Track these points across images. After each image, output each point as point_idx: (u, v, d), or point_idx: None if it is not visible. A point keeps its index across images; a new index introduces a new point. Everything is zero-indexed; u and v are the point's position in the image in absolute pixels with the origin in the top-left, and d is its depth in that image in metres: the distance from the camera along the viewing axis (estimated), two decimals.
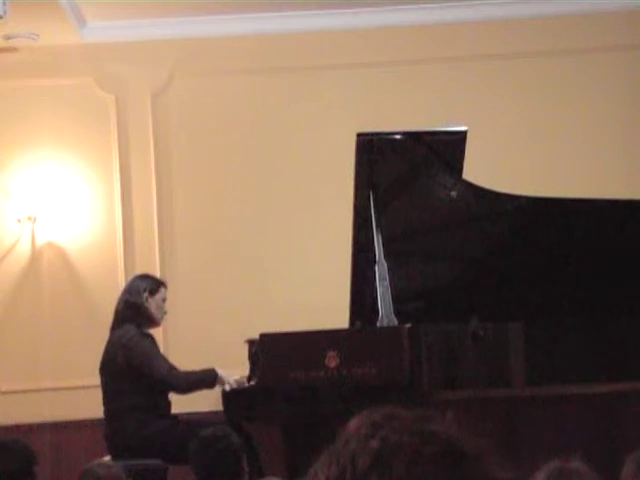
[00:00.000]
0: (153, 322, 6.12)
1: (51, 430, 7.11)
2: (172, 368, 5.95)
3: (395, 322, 5.22)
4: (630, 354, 5.30)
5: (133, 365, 5.87)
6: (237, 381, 5.89)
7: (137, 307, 6.02)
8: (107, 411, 5.99)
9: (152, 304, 6.06)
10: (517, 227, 5.60)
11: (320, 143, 7.44)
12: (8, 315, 7.28)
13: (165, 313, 6.20)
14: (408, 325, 5.15)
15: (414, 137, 5.54)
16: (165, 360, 5.99)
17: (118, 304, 6.13)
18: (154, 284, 6.15)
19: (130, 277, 7.07)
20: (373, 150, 5.45)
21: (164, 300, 6.15)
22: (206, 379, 5.92)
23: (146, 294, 6.05)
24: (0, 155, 7.38)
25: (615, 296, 5.55)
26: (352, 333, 5.48)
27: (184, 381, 5.91)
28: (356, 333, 5.49)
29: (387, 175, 5.54)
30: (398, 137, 5.53)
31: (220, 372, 5.89)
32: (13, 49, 7.20)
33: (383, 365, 5.10)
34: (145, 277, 6.29)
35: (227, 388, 5.81)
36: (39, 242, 7.34)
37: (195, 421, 5.77)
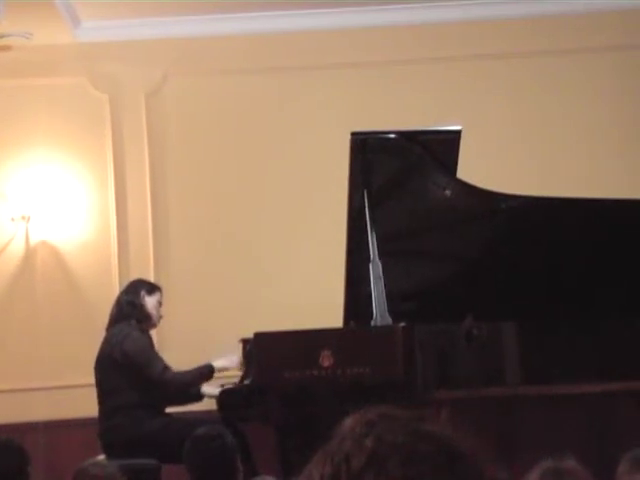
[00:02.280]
0: (150, 321, 6.14)
1: (45, 429, 7.10)
2: (166, 369, 5.95)
3: (389, 321, 5.21)
4: (625, 353, 5.31)
5: (129, 360, 5.87)
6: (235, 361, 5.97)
7: (135, 305, 6.07)
8: (102, 409, 5.98)
9: (149, 303, 6.11)
10: (512, 226, 5.60)
11: (314, 142, 7.45)
12: (2, 314, 7.27)
13: (162, 317, 6.24)
14: (402, 324, 5.16)
15: (408, 136, 5.53)
16: (160, 360, 5.99)
17: (114, 305, 6.15)
18: (150, 286, 6.25)
19: (124, 276, 7.09)
20: (367, 149, 5.44)
21: (160, 303, 6.21)
22: (197, 380, 5.96)
23: (143, 292, 6.10)
24: None
25: (610, 295, 5.56)
26: (346, 332, 5.48)
27: (176, 385, 5.94)
28: (350, 332, 5.48)
29: (381, 174, 5.54)
30: (392, 136, 5.53)
31: (219, 363, 5.93)
32: (7, 48, 7.19)
33: (377, 364, 5.10)
34: (141, 280, 6.38)
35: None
36: (33, 241, 7.34)
37: (189, 420, 5.77)
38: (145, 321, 6.11)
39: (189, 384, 6.01)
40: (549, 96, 7.58)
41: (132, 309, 6.06)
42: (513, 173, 7.23)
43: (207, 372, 5.96)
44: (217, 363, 5.96)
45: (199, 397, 6.04)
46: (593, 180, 7.31)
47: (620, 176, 7.39)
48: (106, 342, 6.05)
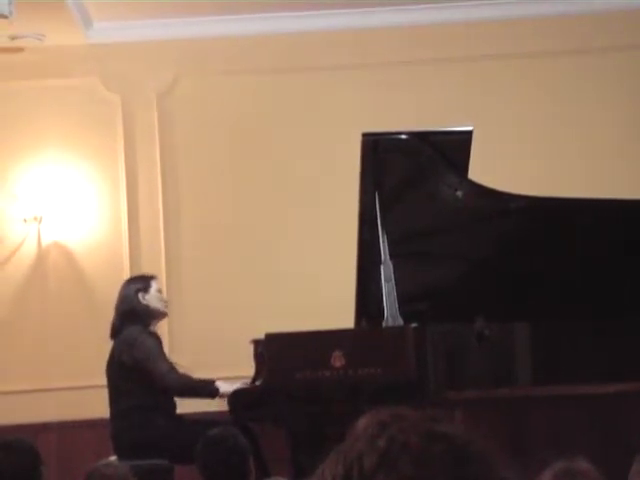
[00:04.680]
0: (158, 316, 6.08)
1: (57, 430, 7.12)
2: (172, 369, 5.89)
3: (401, 322, 5.21)
4: (636, 353, 5.30)
5: (137, 363, 5.85)
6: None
7: (135, 311, 5.97)
8: (113, 410, 5.98)
9: (150, 299, 6.02)
10: (522, 227, 5.59)
11: (325, 143, 7.45)
12: (14, 315, 7.29)
13: (167, 302, 6.16)
14: (414, 325, 5.15)
15: (419, 137, 5.53)
16: (166, 360, 5.93)
17: (115, 316, 6.06)
18: (143, 282, 6.11)
19: (133, 274, 7.09)
20: (378, 150, 5.44)
21: (160, 291, 6.12)
22: (203, 390, 5.89)
23: (140, 294, 6.01)
24: (6, 155, 7.40)
25: (620, 296, 5.55)
26: (358, 333, 5.48)
27: (180, 384, 5.87)
28: (362, 333, 5.48)
29: (392, 175, 5.54)
30: (403, 137, 5.53)
31: (222, 389, 5.83)
32: (19, 49, 7.21)
33: (389, 365, 5.10)
34: (132, 280, 6.25)
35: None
36: (45, 242, 7.35)
37: (201, 421, 5.77)
38: (152, 319, 6.06)
39: (190, 391, 5.94)
40: (557, 96, 7.57)
41: (134, 315, 5.96)
42: (520, 173, 7.21)
43: (212, 391, 5.86)
44: (224, 388, 5.85)
45: (215, 394, 5.92)
46: (601, 180, 7.30)
47: (627, 176, 7.38)
48: (116, 344, 6.01)
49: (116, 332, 6.05)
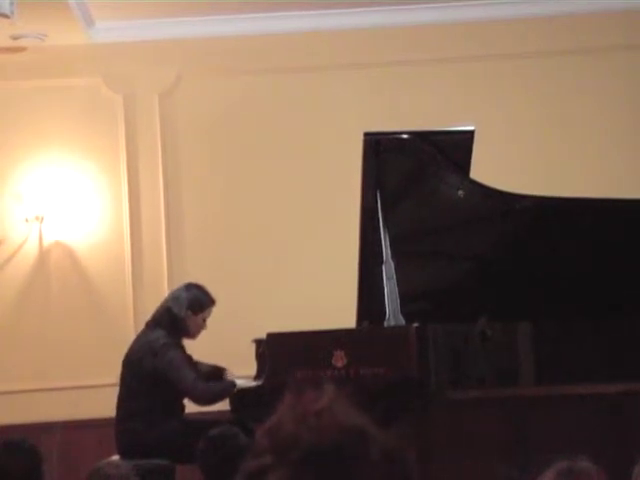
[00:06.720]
0: (188, 336, 6.00)
1: (59, 429, 7.12)
2: (197, 379, 5.82)
3: (402, 322, 5.22)
4: (638, 353, 5.30)
5: (158, 372, 5.77)
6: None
7: (175, 318, 5.89)
8: (121, 410, 5.92)
9: (192, 322, 5.94)
10: (525, 227, 5.59)
11: (328, 143, 7.46)
12: (16, 314, 7.29)
13: (204, 330, 6.03)
14: (416, 325, 5.15)
15: (421, 137, 5.53)
16: (191, 371, 5.86)
17: (160, 305, 6.01)
18: (201, 303, 5.99)
19: (137, 276, 7.09)
20: (380, 150, 5.44)
21: (205, 319, 6.00)
22: (227, 393, 5.87)
23: (189, 312, 5.92)
24: (8, 155, 7.41)
25: (624, 295, 5.55)
26: (359, 332, 5.48)
27: (207, 394, 5.84)
28: (363, 332, 5.49)
29: (394, 175, 5.54)
30: (405, 137, 5.53)
31: (239, 383, 5.85)
32: (21, 49, 7.22)
33: (390, 365, 5.10)
34: (195, 290, 6.06)
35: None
36: (47, 241, 7.36)
37: (203, 421, 5.76)
38: (182, 335, 5.96)
39: (218, 397, 5.92)
40: (556, 97, 7.58)
41: (172, 320, 5.88)
42: (520, 173, 7.22)
43: (233, 389, 5.86)
44: (240, 382, 5.84)
45: (233, 388, 5.91)
46: (599, 180, 7.31)
47: (630, 176, 7.39)
48: (139, 344, 5.91)
49: (150, 324, 5.99)
